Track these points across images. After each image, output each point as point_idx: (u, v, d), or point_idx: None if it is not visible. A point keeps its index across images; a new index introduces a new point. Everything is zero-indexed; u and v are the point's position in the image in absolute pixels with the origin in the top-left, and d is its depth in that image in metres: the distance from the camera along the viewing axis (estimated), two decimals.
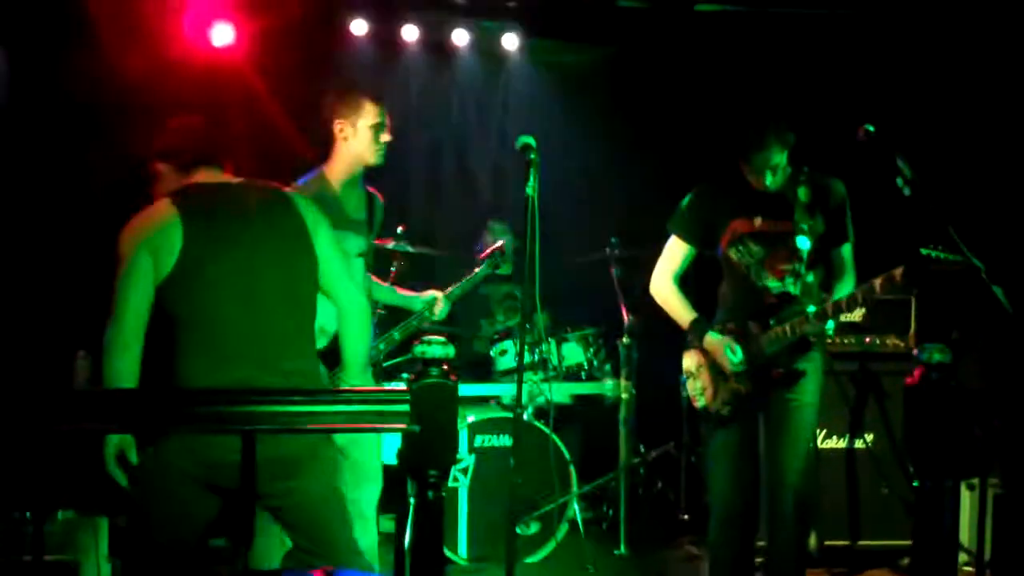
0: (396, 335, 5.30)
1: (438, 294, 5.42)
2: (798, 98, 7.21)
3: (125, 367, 3.77)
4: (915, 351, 6.14)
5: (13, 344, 5.87)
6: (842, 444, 6.31)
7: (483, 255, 5.75)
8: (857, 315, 6.37)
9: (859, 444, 6.29)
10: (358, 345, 4.15)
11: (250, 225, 3.91)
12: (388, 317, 5.67)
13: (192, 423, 3.05)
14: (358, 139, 4.87)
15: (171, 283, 3.78)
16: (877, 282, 4.63)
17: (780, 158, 4.85)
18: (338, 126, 4.88)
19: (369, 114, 4.86)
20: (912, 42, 7.10)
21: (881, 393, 6.31)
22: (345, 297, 4.10)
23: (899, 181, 4.49)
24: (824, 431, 6.25)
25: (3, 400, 3.39)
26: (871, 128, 4.57)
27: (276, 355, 3.87)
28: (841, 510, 6.25)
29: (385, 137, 4.90)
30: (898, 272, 4.58)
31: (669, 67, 7.65)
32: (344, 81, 5.16)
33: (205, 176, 3.96)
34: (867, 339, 6.36)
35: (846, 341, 6.35)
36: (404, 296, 5.46)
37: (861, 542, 6.24)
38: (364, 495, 4.79)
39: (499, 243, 5.84)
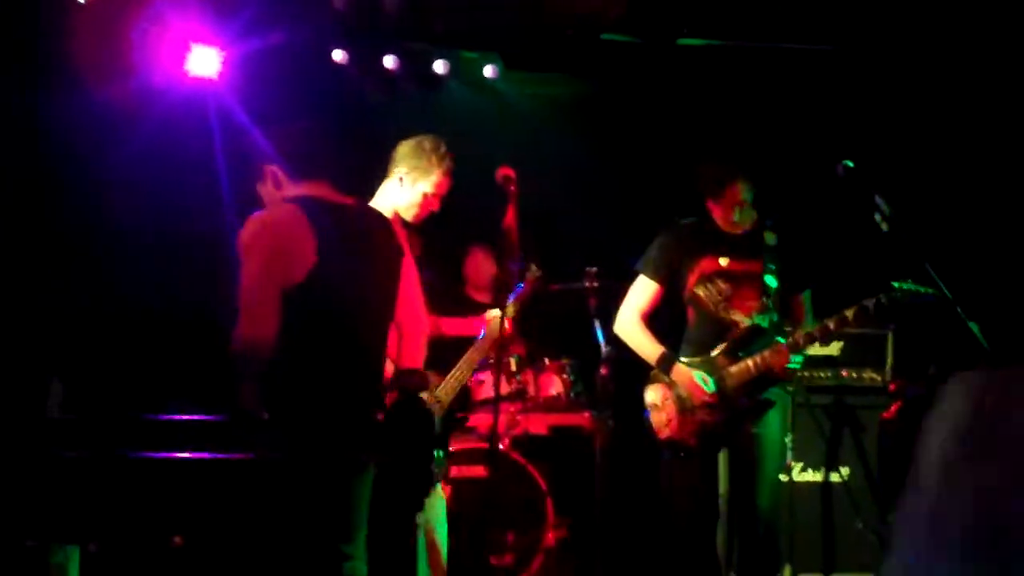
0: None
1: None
2: (779, 133, 7.28)
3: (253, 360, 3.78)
4: (892, 386, 6.19)
5: None
6: (817, 477, 6.31)
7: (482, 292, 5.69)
8: (834, 348, 6.40)
9: (834, 477, 6.30)
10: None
11: (367, 247, 3.99)
12: None
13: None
14: (406, 193, 4.87)
15: (299, 294, 3.79)
16: (849, 312, 4.69)
17: (748, 193, 4.92)
18: (399, 172, 4.88)
19: (431, 181, 4.86)
20: (893, 78, 7.15)
21: (857, 426, 6.33)
22: (414, 324, 4.18)
23: (877, 217, 4.52)
24: (799, 464, 6.26)
25: None
26: (850, 163, 4.61)
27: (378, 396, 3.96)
28: (815, 543, 6.25)
29: (432, 206, 4.90)
30: (870, 303, 4.63)
31: (651, 101, 7.68)
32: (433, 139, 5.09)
33: (313, 189, 3.97)
34: (843, 372, 6.37)
35: (822, 375, 6.37)
36: (479, 343, 5.37)
37: (835, 575, 6.24)
38: None
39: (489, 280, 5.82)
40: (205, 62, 6.38)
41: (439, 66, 7.60)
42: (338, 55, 7.32)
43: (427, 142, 4.94)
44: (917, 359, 6.35)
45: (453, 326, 5.48)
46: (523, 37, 7.44)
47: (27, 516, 3.80)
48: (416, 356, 4.26)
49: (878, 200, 4.52)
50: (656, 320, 5.28)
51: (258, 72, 6.66)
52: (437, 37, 7.43)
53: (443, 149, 4.97)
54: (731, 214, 4.96)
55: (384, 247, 4.09)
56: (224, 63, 6.39)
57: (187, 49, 6.33)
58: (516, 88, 7.89)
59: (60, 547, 4.16)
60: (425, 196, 4.87)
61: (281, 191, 4.01)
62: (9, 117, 6.30)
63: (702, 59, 7.48)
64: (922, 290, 4.66)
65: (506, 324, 5.10)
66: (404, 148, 4.92)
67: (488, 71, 7.69)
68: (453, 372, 5.11)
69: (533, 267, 5.54)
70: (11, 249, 6.21)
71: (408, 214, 4.88)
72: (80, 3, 5.72)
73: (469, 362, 5.20)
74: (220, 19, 6.27)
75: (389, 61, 7.48)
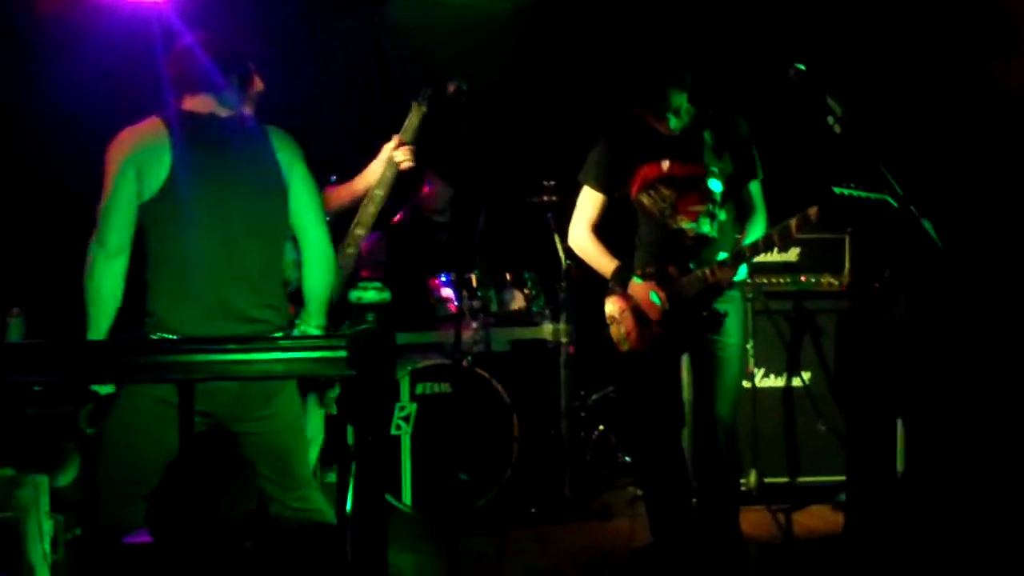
0: (360, 232, 5.06)
1: (391, 143, 5.18)
2: (727, 36, 7.25)
3: (107, 287, 3.79)
4: (843, 287, 6.26)
5: None
6: (779, 382, 6.39)
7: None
8: (792, 254, 6.45)
9: (796, 382, 6.38)
10: (322, 288, 4.18)
11: (230, 160, 3.94)
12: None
13: (130, 374, 3.06)
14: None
15: (150, 208, 3.81)
16: (792, 222, 4.68)
17: (679, 99, 4.91)
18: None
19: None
20: None
21: (816, 331, 6.40)
22: (312, 236, 4.12)
23: (829, 119, 4.51)
24: (761, 370, 6.33)
25: None
26: (801, 67, 4.59)
27: (243, 299, 3.91)
28: (779, 448, 6.35)
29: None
30: (812, 211, 4.63)
31: (596, 9, 7.62)
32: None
33: (197, 103, 3.97)
34: (802, 278, 6.42)
35: (781, 280, 6.42)
36: (360, 177, 5.25)
37: (800, 479, 6.34)
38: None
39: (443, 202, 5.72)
40: None
41: None
42: None
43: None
44: (874, 261, 6.40)
45: (347, 191, 5.32)
46: None
47: None
48: (320, 271, 4.21)
49: (830, 102, 4.51)
50: (608, 224, 5.26)
51: None
52: None
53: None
54: (667, 122, 4.95)
55: (260, 158, 4.03)
56: None
57: None
58: (463, 1, 7.81)
59: (29, 478, 4.18)
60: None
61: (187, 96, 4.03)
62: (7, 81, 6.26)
63: None
64: (863, 195, 4.68)
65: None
66: None
67: None
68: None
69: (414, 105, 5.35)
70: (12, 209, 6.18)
71: None
72: None
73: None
74: None
75: None
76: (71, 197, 6.24)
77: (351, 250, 4.94)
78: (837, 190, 4.63)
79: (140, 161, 3.81)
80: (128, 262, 3.84)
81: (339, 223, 5.02)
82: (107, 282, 3.80)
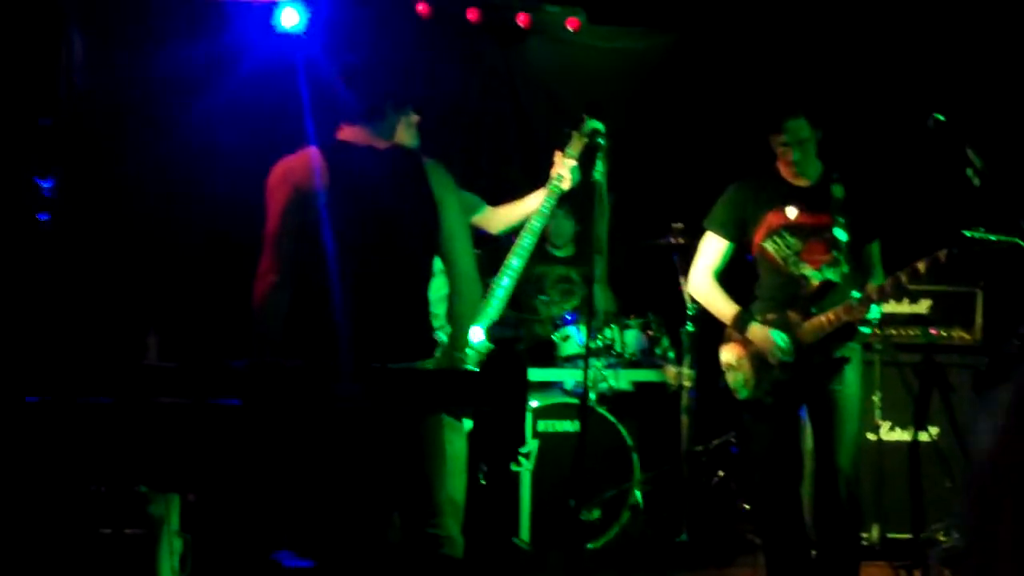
0: (516, 262, 5.16)
1: (555, 160, 5.28)
2: (865, 83, 7.18)
3: (279, 313, 3.90)
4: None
5: (84, 324, 5.95)
6: (906, 436, 6.27)
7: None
8: (923, 307, 6.34)
9: (923, 436, 6.24)
10: (468, 317, 4.24)
11: (383, 190, 4.00)
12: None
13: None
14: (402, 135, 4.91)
15: (308, 237, 3.89)
16: (920, 264, 4.64)
17: (805, 131, 4.88)
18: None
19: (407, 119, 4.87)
20: (981, 29, 7.02)
21: (946, 386, 6.25)
22: (462, 266, 4.17)
23: (968, 171, 4.45)
24: (888, 423, 6.23)
25: (82, 373, 3.47)
26: (940, 117, 4.53)
27: (387, 330, 3.96)
28: (904, 503, 6.21)
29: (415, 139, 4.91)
30: (942, 253, 4.59)
31: (732, 53, 7.61)
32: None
33: (352, 134, 4.05)
34: (932, 331, 6.31)
35: (911, 333, 6.32)
36: (523, 201, 5.35)
37: (924, 535, 6.20)
38: (457, 485, 4.81)
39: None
40: (293, 18, 6.41)
41: (521, 18, 7.57)
42: (422, 8, 7.32)
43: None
44: (1007, 317, 6.27)
45: (506, 213, 5.41)
46: None
47: (129, 465, 3.86)
48: (470, 303, 4.25)
49: (970, 154, 4.45)
50: (729, 276, 5.24)
51: (343, 27, 6.68)
52: None
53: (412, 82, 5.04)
54: (790, 153, 4.93)
55: (416, 190, 4.08)
56: (311, 18, 6.42)
57: (275, 4, 6.36)
58: (597, 42, 7.84)
59: (160, 496, 4.25)
60: (411, 130, 4.86)
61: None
62: (98, 74, 6.37)
63: (785, 8, 7.38)
64: (994, 238, 4.61)
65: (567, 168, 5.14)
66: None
67: (570, 25, 7.65)
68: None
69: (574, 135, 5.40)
70: (107, 204, 6.31)
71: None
72: None
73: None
74: None
75: (472, 14, 7.46)
76: (206, 219, 6.39)
77: (506, 281, 5.02)
78: (968, 233, 4.57)
79: (300, 191, 3.89)
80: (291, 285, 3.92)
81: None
82: (280, 309, 3.89)
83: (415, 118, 4.60)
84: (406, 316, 4.03)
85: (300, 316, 3.95)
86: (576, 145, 5.13)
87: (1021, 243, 4.49)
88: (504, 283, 5.04)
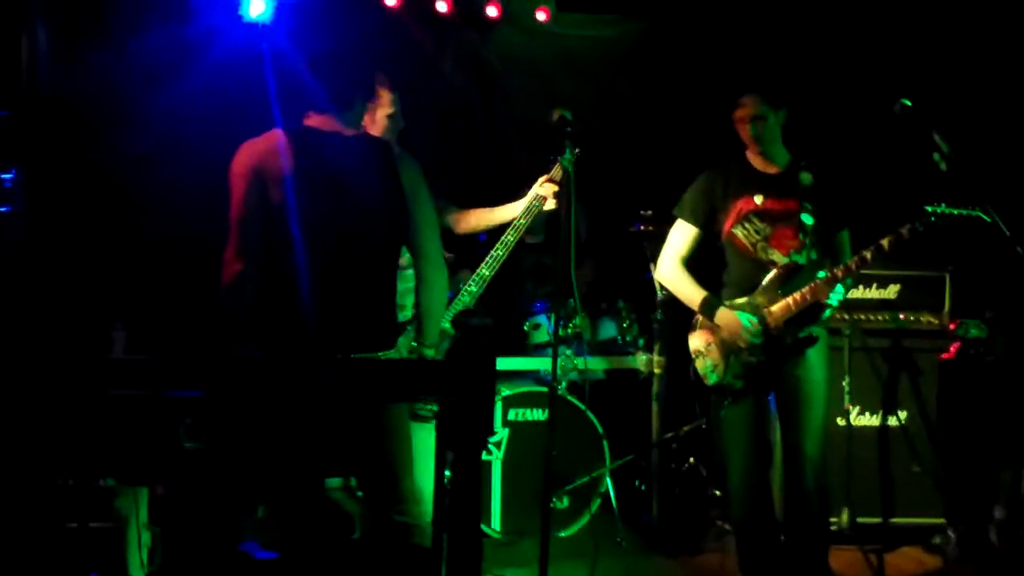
0: (486, 271, 5.26)
1: (542, 179, 5.39)
2: (833, 71, 7.19)
3: (246, 295, 3.88)
4: (950, 327, 6.16)
5: (50, 316, 5.91)
6: (875, 421, 6.30)
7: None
8: (891, 292, 6.37)
9: (892, 421, 6.28)
10: (436, 309, 4.26)
11: (348, 176, 3.99)
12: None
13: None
14: (376, 126, 4.94)
15: (271, 220, 3.88)
16: (885, 241, 4.70)
17: (760, 107, 4.92)
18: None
19: (386, 104, 4.91)
20: (948, 14, 7.05)
21: (915, 370, 6.30)
22: (430, 259, 4.18)
23: (935, 156, 4.48)
24: (857, 408, 6.25)
25: (47, 368, 3.45)
26: (907, 102, 4.55)
27: (349, 317, 3.96)
28: (874, 487, 6.25)
29: (400, 124, 4.95)
30: (905, 229, 4.64)
31: (702, 40, 7.62)
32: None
33: (320, 121, 4.05)
34: (900, 316, 6.34)
35: (880, 318, 6.34)
36: (501, 208, 5.47)
37: (894, 519, 6.23)
38: (425, 476, 4.83)
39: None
40: (259, 6, 6.37)
41: (491, 9, 7.55)
42: None
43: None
44: (975, 302, 6.31)
45: (489, 216, 5.51)
46: None
47: (98, 457, 3.85)
48: (439, 297, 4.28)
49: (937, 139, 4.47)
50: (697, 263, 5.26)
51: (310, 16, 6.65)
52: None
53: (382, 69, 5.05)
54: (747, 129, 4.97)
55: (385, 177, 4.08)
56: (277, 7, 6.38)
57: None
58: (568, 30, 7.83)
59: (128, 489, 4.24)
60: (388, 118, 4.91)
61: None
62: (61, 65, 6.32)
63: None
64: (955, 211, 4.64)
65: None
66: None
67: (540, 14, 7.63)
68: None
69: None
70: (71, 197, 6.27)
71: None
72: None
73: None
74: None
75: (441, 5, 7.43)
76: (173, 211, 6.35)
77: (474, 288, 5.09)
78: (929, 208, 4.61)
79: (263, 172, 3.88)
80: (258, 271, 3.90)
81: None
82: (246, 297, 3.88)
83: (384, 107, 4.62)
84: (369, 304, 4.02)
85: (264, 302, 3.93)
86: (558, 172, 5.27)
87: (984, 216, 4.52)
88: (472, 289, 5.12)
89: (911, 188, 5.66)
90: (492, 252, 5.25)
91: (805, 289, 4.84)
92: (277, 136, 3.97)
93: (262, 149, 3.94)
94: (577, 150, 4.98)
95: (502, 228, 5.40)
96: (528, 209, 5.33)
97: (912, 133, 4.50)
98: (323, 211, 3.93)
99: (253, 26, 6.37)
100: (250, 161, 3.92)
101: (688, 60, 7.66)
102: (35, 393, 3.45)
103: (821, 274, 4.84)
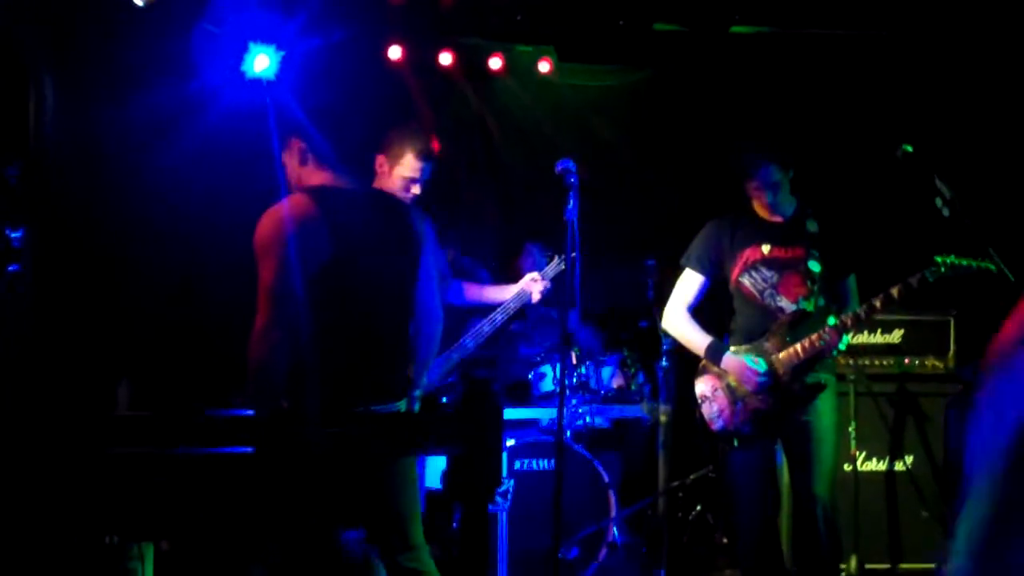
0: (470, 343, 5.40)
1: (534, 274, 5.53)
2: (835, 118, 7.24)
3: (283, 364, 3.78)
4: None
5: (57, 372, 5.92)
6: (882, 466, 6.28)
7: None
8: (896, 336, 6.36)
9: (899, 466, 6.27)
10: (431, 356, 4.31)
11: (383, 233, 4.02)
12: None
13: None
14: (389, 180, 4.99)
15: (316, 283, 3.81)
16: (894, 290, 4.71)
17: (776, 175, 4.94)
18: (379, 160, 5.02)
19: (407, 166, 4.96)
20: (946, 62, 7.09)
21: (920, 415, 6.29)
22: (431, 308, 4.23)
23: (938, 201, 4.50)
24: (863, 453, 6.24)
25: (52, 425, 3.46)
26: (909, 148, 4.58)
27: (400, 371, 4.03)
28: (881, 533, 6.22)
29: (415, 190, 5.01)
30: (914, 279, 4.64)
31: (704, 89, 7.67)
32: (409, 122, 5.35)
33: (325, 177, 4.04)
34: (906, 360, 6.34)
35: (885, 363, 6.34)
36: (495, 289, 5.60)
37: (902, 565, 6.21)
38: None
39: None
40: (263, 62, 6.41)
41: (494, 62, 7.60)
42: (394, 52, 7.34)
43: (413, 130, 5.07)
44: (980, 344, 6.29)
45: (479, 293, 5.64)
46: (576, 29, 7.43)
47: (101, 515, 3.85)
48: (430, 345, 4.30)
49: (939, 184, 4.49)
50: (702, 315, 5.29)
51: (315, 71, 6.70)
52: (491, 31, 7.44)
53: (419, 132, 5.09)
54: (763, 196, 5.00)
55: (401, 232, 4.10)
56: (282, 62, 6.43)
57: (245, 49, 6.37)
58: (570, 80, 7.88)
59: (135, 546, 4.22)
60: (403, 179, 4.97)
61: (304, 167, 4.05)
62: (67, 121, 6.36)
63: (754, 47, 7.44)
64: (965, 263, 4.66)
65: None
66: (383, 135, 5.08)
67: (542, 65, 7.68)
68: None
69: (556, 259, 5.78)
70: (77, 253, 6.28)
71: None
72: (138, 5, 5.76)
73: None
74: (278, 18, 6.31)
75: (444, 58, 7.49)
76: (178, 266, 6.37)
77: (455, 356, 5.20)
78: (939, 258, 4.62)
79: (301, 237, 3.79)
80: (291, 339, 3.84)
81: None
82: (283, 360, 3.79)
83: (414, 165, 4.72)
84: (394, 358, 4.05)
85: (314, 362, 3.90)
86: (553, 267, 5.64)
87: (993, 268, 4.54)
88: (453, 356, 5.20)
89: (914, 233, 5.71)
90: (480, 326, 5.37)
91: (814, 336, 4.85)
92: (303, 199, 3.90)
93: (295, 214, 3.84)
94: (573, 254, 5.06)
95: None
96: (517, 296, 5.64)
97: (914, 178, 4.52)
98: (352, 269, 3.91)
99: (257, 82, 6.42)
100: (285, 228, 3.80)
101: (689, 109, 7.71)
102: (42, 450, 3.45)
103: (831, 321, 4.85)
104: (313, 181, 4.04)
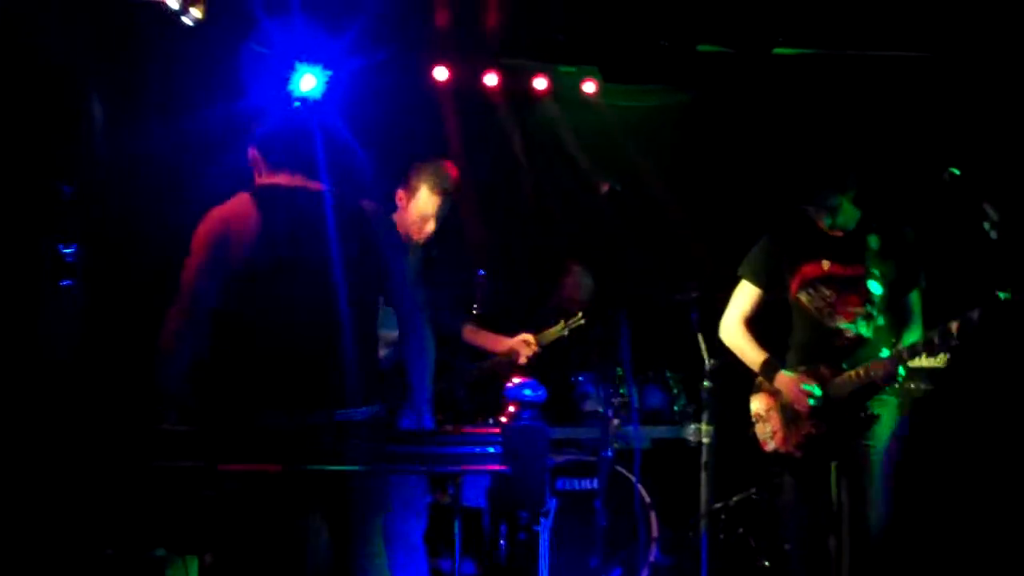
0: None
1: (528, 337, 5.54)
2: (878, 140, 7.21)
3: (189, 355, 3.92)
4: None
5: (103, 386, 5.96)
6: None
7: (576, 306, 5.86)
8: (940, 360, 6.31)
9: None
10: (417, 361, 4.24)
11: (319, 232, 4.00)
12: None
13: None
14: (406, 214, 5.04)
15: (236, 280, 3.91)
16: (953, 324, 4.62)
17: (835, 201, 4.89)
18: (399, 194, 5.08)
19: (424, 202, 5.02)
20: (992, 83, 7.06)
21: None
22: (406, 311, 4.20)
23: (985, 225, 4.46)
24: None
25: (100, 438, 3.49)
26: (955, 171, 4.55)
27: (334, 376, 3.95)
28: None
29: (429, 227, 5.05)
30: (975, 314, 4.57)
31: (748, 110, 7.67)
32: (429, 158, 5.42)
33: (287, 179, 4.10)
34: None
35: (930, 388, 6.29)
36: (489, 338, 5.60)
37: None
38: (413, 528, 4.88)
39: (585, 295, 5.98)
40: (311, 82, 6.46)
41: (539, 83, 7.62)
42: (440, 73, 7.38)
43: (431, 166, 5.11)
44: None
45: (474, 336, 5.66)
46: (620, 49, 7.44)
47: (146, 527, 3.88)
48: (410, 349, 4.27)
49: (987, 207, 4.46)
50: (760, 324, 5.26)
51: (361, 91, 6.75)
52: (537, 52, 7.47)
53: (443, 174, 5.13)
54: (822, 219, 4.96)
55: (356, 234, 4.08)
56: (329, 83, 6.47)
57: (292, 69, 6.42)
58: (614, 101, 7.89)
59: (178, 559, 4.25)
60: (419, 215, 5.03)
61: (260, 176, 4.19)
62: (118, 139, 6.42)
63: (798, 68, 7.44)
64: None
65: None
66: (415, 169, 5.13)
67: (587, 86, 7.69)
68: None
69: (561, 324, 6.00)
70: (127, 269, 6.34)
71: (413, 235, 5.05)
72: (188, 24, 5.82)
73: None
74: (325, 38, 6.36)
75: (490, 79, 7.52)
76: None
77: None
78: (1002, 295, 4.57)
79: (229, 234, 3.92)
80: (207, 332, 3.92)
81: None
82: (189, 351, 3.91)
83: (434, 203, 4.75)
84: (340, 362, 4.00)
85: (232, 364, 3.98)
86: (551, 335, 5.83)
87: None
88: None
89: (964, 257, 5.67)
90: (470, 367, 5.45)
91: (870, 365, 4.79)
92: (243, 199, 4.03)
93: (228, 213, 3.99)
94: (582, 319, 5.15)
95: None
96: (509, 351, 5.72)
97: (962, 201, 4.50)
98: (293, 267, 3.95)
99: (304, 101, 6.46)
100: (215, 227, 3.96)
101: (734, 129, 7.70)
102: (92, 461, 3.49)
103: (885, 352, 4.80)
104: (266, 182, 4.13)
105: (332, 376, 3.96)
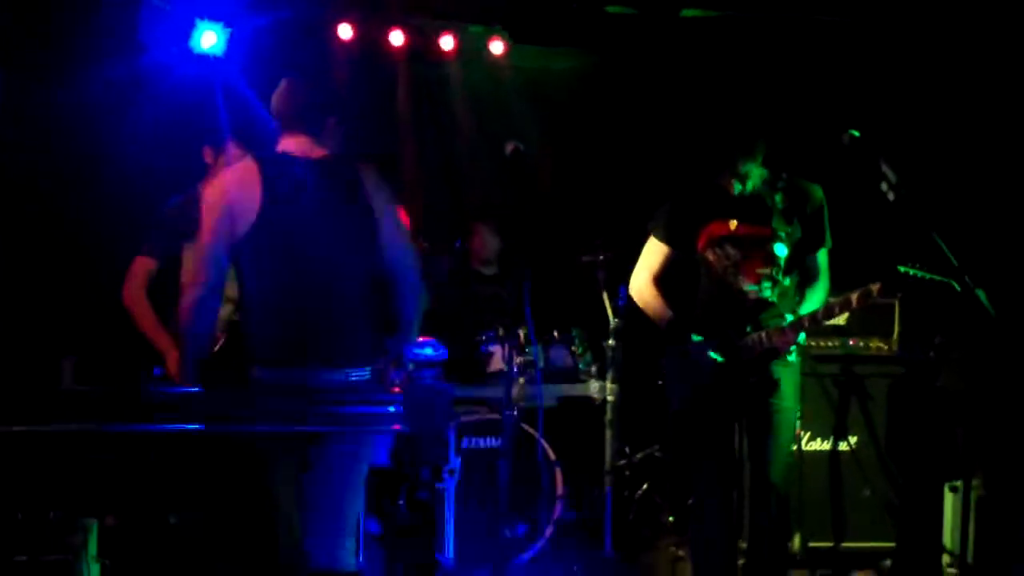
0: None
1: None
2: (782, 102, 7.27)
3: (206, 323, 3.99)
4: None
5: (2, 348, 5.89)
6: (826, 446, 6.33)
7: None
8: (841, 318, 6.40)
9: (843, 446, 6.33)
10: (414, 315, 4.30)
11: (320, 199, 4.06)
12: None
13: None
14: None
15: (243, 247, 3.97)
16: (854, 296, 4.69)
17: (747, 167, 4.92)
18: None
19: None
20: (896, 47, 7.14)
21: (864, 395, 6.35)
22: (403, 267, 4.24)
23: (883, 186, 4.51)
24: (808, 433, 6.29)
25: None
26: (855, 133, 4.59)
27: (340, 344, 4.02)
28: (825, 511, 6.28)
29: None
30: (875, 287, 4.63)
31: (656, 72, 7.69)
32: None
33: (294, 143, 4.12)
34: (851, 341, 6.39)
35: (830, 344, 6.38)
36: None
37: (845, 543, 6.27)
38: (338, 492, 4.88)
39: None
40: (211, 39, 6.38)
41: (446, 42, 7.57)
42: (345, 31, 7.31)
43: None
44: (924, 327, 6.36)
45: None
46: (528, 10, 7.43)
47: (45, 490, 3.85)
48: (409, 309, 4.31)
49: (884, 169, 4.51)
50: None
51: (263, 49, 6.67)
52: (444, 11, 7.43)
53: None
54: (731, 185, 4.99)
55: (350, 196, 4.15)
56: (230, 40, 6.39)
57: (193, 26, 6.33)
58: (522, 63, 7.88)
59: (79, 521, 4.22)
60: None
61: (215, 165, 4.38)
62: (17, 99, 6.30)
63: (705, 30, 7.47)
64: (927, 276, 4.68)
65: None
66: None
67: (495, 46, 7.66)
68: None
69: None
70: (23, 231, 6.25)
71: None
72: None
73: None
74: None
75: (396, 37, 7.45)
76: (127, 243, 6.32)
77: None
78: (902, 269, 4.64)
79: (234, 202, 3.96)
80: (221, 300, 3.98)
81: None
82: (207, 319, 3.96)
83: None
84: (338, 323, 4.06)
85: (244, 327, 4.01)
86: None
87: (956, 285, 4.55)
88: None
89: (862, 221, 5.74)
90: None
91: (772, 331, 4.83)
92: (249, 166, 4.05)
93: (234, 180, 4.04)
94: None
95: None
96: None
97: (861, 163, 4.54)
98: (298, 233, 4.01)
99: (205, 58, 6.38)
100: (221, 194, 4.02)
101: (641, 92, 7.73)
102: None
103: (788, 318, 4.85)
104: (282, 147, 4.15)
105: (332, 337, 4.04)
